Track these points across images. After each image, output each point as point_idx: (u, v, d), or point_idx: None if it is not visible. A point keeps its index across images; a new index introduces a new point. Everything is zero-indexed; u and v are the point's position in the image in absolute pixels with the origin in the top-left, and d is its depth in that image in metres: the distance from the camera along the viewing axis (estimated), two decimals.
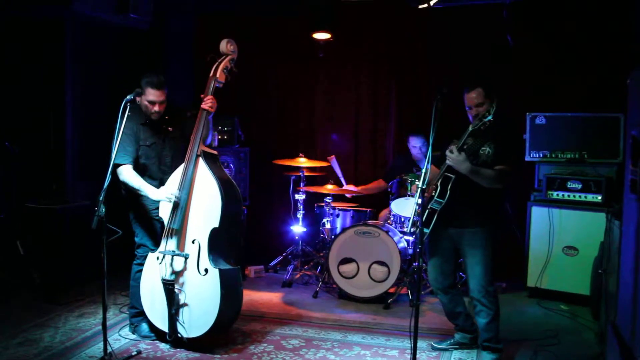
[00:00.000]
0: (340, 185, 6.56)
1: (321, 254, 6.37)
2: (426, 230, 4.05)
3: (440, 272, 4.35)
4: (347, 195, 6.54)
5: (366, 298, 5.60)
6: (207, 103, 4.35)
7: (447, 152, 3.96)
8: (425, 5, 6.08)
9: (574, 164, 5.80)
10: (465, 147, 3.95)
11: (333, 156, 6.57)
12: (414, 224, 4.49)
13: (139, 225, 4.57)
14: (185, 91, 6.69)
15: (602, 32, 5.94)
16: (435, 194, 4.03)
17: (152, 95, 4.34)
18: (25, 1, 5.84)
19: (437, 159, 4.12)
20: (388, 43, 6.90)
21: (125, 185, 4.43)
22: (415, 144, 6.32)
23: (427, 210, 4.04)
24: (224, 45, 4.50)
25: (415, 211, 4.17)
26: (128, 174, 4.37)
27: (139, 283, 4.47)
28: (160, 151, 4.54)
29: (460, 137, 4.04)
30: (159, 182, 4.49)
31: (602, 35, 5.94)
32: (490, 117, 3.84)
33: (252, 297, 5.74)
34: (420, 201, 3.77)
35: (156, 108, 4.39)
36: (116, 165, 4.27)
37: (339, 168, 6.58)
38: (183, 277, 4.25)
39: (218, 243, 4.30)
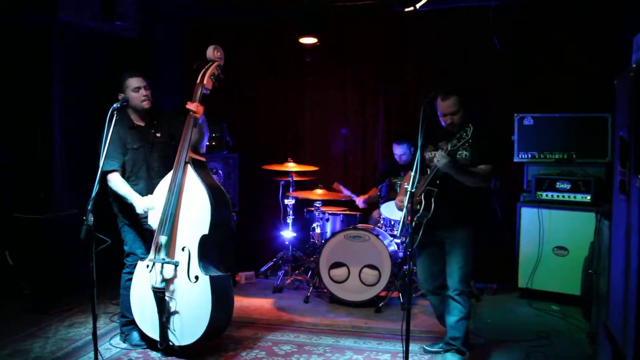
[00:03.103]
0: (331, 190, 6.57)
1: (312, 259, 6.36)
2: (415, 236, 4.09)
3: (430, 274, 4.38)
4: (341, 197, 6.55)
5: (357, 302, 5.59)
6: (192, 107, 4.34)
7: (436, 154, 3.99)
8: (412, 8, 6.10)
9: (562, 165, 5.83)
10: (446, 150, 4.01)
11: (338, 184, 6.69)
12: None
13: (128, 234, 4.54)
14: (175, 98, 6.63)
15: (590, 33, 5.98)
16: (420, 207, 4.09)
17: (135, 82, 4.38)
18: (9, 9, 5.79)
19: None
20: (375, 47, 6.91)
21: (113, 193, 4.40)
22: (397, 152, 6.34)
23: (414, 222, 4.07)
24: (211, 52, 4.49)
25: (405, 216, 4.20)
26: (116, 181, 4.35)
27: (128, 292, 4.43)
28: (148, 156, 4.50)
29: (437, 142, 4.14)
30: (149, 188, 4.45)
31: (590, 36, 5.98)
32: (469, 138, 3.82)
33: (243, 303, 5.72)
34: (408, 201, 3.78)
35: (143, 92, 4.40)
36: (104, 173, 4.25)
37: (347, 189, 6.66)
38: (173, 285, 4.23)
39: (208, 250, 4.28)
